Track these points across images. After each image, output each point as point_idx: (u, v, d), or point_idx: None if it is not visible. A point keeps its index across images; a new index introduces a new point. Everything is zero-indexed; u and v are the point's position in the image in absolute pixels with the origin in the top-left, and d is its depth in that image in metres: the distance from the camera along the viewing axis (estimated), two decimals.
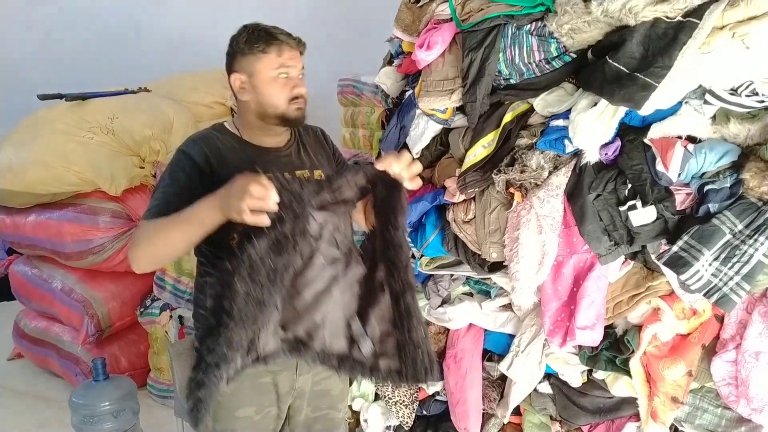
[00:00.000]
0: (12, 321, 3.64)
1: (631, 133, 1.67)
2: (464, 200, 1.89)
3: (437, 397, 2.09)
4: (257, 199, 1.22)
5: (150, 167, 3.18)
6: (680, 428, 1.73)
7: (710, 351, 1.68)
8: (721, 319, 1.68)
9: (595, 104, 1.65)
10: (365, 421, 2.15)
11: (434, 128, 2.00)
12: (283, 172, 1.55)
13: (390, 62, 2.25)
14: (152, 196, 1.52)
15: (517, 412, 1.96)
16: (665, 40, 1.53)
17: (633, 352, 1.70)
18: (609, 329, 1.78)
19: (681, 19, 1.53)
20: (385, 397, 2.15)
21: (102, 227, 3.09)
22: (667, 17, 1.54)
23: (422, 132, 2.01)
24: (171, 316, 3.05)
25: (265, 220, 1.24)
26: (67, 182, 3.06)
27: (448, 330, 2.04)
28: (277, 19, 1.81)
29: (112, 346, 3.25)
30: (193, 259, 3.15)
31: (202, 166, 1.52)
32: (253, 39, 1.54)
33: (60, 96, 3.26)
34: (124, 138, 3.14)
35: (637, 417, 1.77)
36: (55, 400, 3.00)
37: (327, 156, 1.74)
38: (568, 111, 1.73)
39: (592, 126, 1.64)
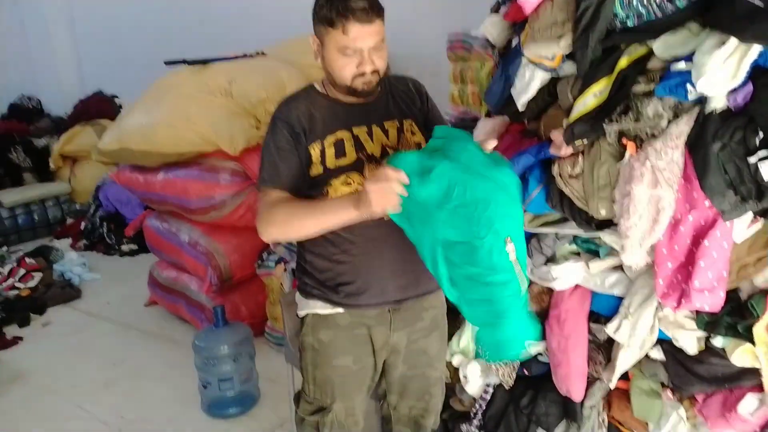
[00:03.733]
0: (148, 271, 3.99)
1: (765, 76, 1.49)
2: (571, 153, 1.79)
3: (539, 358, 2.03)
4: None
5: (265, 128, 3.30)
6: None
7: None
8: None
9: (724, 44, 1.48)
10: (464, 377, 2.14)
11: (541, 78, 1.89)
12: (372, 123, 1.63)
13: (497, 10, 2.15)
14: (262, 165, 1.64)
15: (624, 376, 1.86)
16: None
17: (758, 318, 1.55)
18: (731, 293, 1.62)
19: None
20: None
21: (222, 184, 3.27)
22: None
23: (528, 82, 1.91)
24: (285, 269, 3.19)
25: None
26: (190, 142, 3.27)
27: (552, 290, 1.97)
28: None
29: (233, 296, 3.46)
30: None
31: (298, 130, 1.60)
32: (326, 8, 1.50)
33: (184, 61, 3.47)
34: (241, 100, 3.28)
35: (760, 388, 1.62)
36: (184, 344, 3.25)
37: (419, 107, 1.74)
38: (692, 54, 1.56)
39: (720, 69, 1.48)
